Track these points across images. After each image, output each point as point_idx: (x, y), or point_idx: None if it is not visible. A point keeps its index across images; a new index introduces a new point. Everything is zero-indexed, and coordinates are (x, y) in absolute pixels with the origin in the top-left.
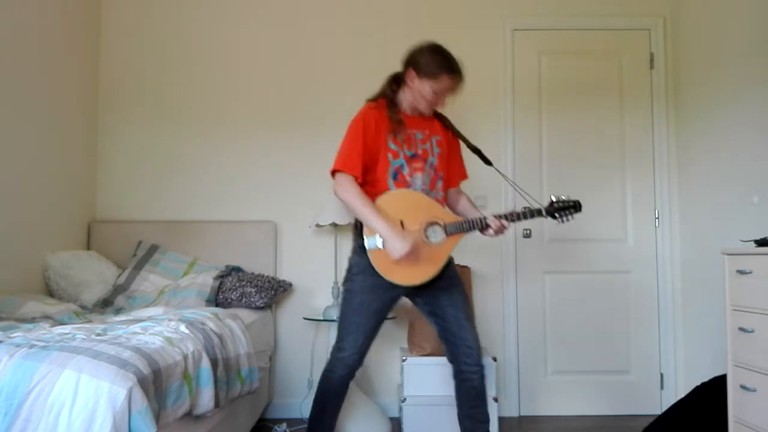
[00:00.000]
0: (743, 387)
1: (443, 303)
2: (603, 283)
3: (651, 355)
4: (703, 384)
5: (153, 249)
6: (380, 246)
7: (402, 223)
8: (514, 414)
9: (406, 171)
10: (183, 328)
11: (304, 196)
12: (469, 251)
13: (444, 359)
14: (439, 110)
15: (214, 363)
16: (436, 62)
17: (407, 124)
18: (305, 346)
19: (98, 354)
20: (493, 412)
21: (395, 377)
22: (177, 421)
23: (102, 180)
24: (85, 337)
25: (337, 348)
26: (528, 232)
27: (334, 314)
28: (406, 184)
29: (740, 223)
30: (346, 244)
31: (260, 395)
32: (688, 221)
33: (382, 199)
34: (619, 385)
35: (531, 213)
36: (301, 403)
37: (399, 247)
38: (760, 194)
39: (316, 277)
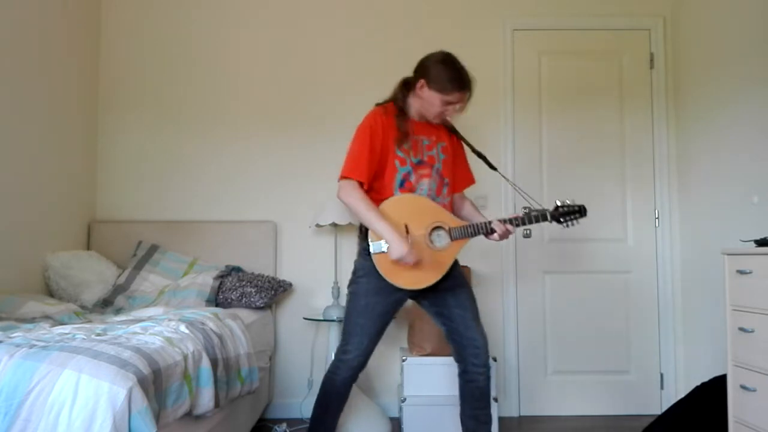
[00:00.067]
0: (743, 387)
1: (450, 303)
2: (603, 283)
3: (651, 355)
4: (703, 384)
5: (153, 249)
6: (385, 250)
7: (407, 227)
8: (514, 414)
9: (413, 178)
10: (183, 328)
11: (304, 196)
12: (469, 251)
13: (444, 359)
14: (447, 120)
15: (214, 363)
16: (446, 75)
17: (414, 130)
18: (305, 346)
19: (98, 354)
20: (493, 412)
21: (395, 377)
22: (177, 421)
23: (102, 180)
24: (85, 337)
25: (342, 350)
26: (528, 232)
27: (334, 314)
28: (413, 191)
29: (740, 223)
30: (346, 244)
31: (260, 395)
32: (688, 221)
33: (388, 204)
34: (619, 385)
35: (536, 217)
36: (301, 403)
37: (398, 248)
38: (760, 194)
39: (316, 277)
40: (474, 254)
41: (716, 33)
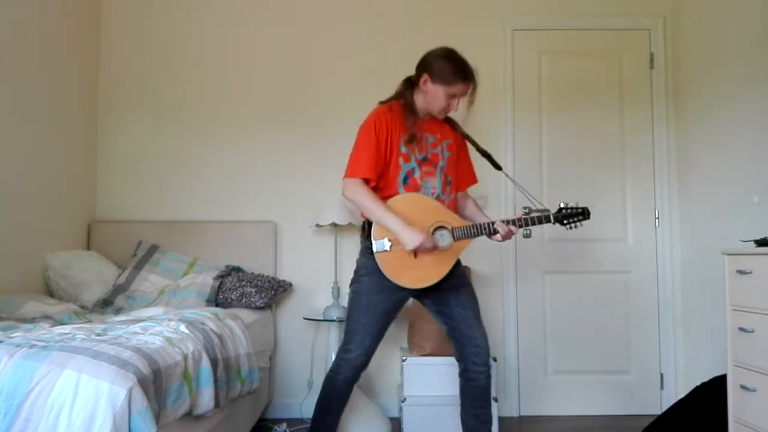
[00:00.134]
0: (743, 387)
1: (451, 303)
2: (603, 283)
3: (651, 355)
4: (703, 384)
5: (153, 249)
6: (388, 249)
7: None
8: (514, 414)
9: (417, 174)
10: (183, 328)
11: (304, 196)
12: (469, 251)
13: (444, 359)
14: (452, 114)
15: (214, 363)
16: (450, 68)
17: (420, 128)
18: (305, 346)
19: (98, 354)
20: (493, 412)
21: (395, 377)
22: (177, 421)
23: (102, 180)
24: (85, 337)
25: (344, 349)
26: (528, 232)
27: (334, 314)
28: (417, 188)
29: (740, 223)
30: (346, 244)
31: (260, 395)
32: (688, 221)
33: (391, 203)
34: (619, 385)
35: (539, 219)
36: (301, 403)
37: (412, 237)
38: (760, 194)
39: (316, 277)
40: (474, 254)
41: (716, 33)
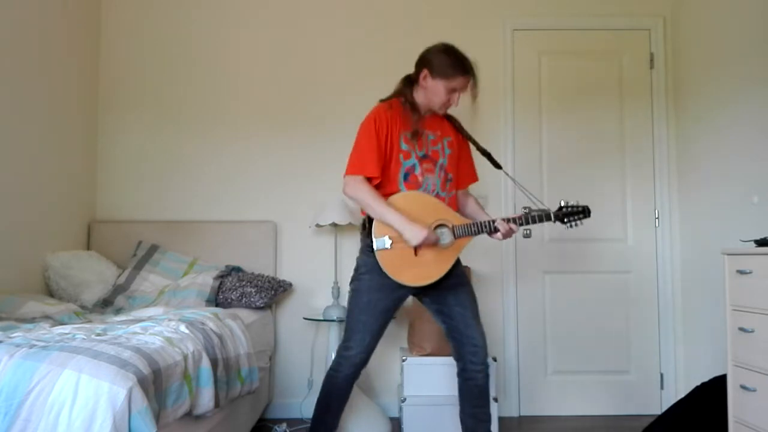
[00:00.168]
0: (743, 387)
1: (450, 302)
2: (603, 283)
3: (651, 355)
4: (703, 384)
5: (153, 249)
6: (388, 247)
7: None
8: (514, 414)
9: (418, 171)
10: (183, 328)
11: (304, 196)
12: (469, 251)
13: (444, 359)
14: (452, 108)
15: (214, 363)
16: (449, 62)
17: (420, 125)
18: (305, 346)
19: (98, 354)
20: (493, 412)
21: (395, 377)
22: (177, 421)
23: (102, 180)
24: (85, 337)
25: (344, 347)
26: (528, 232)
27: (334, 314)
28: (417, 185)
29: (740, 223)
30: (346, 244)
31: (260, 395)
32: (688, 221)
33: (392, 201)
34: (619, 385)
35: (540, 217)
36: (301, 403)
37: (416, 233)
38: (760, 194)
39: (316, 277)
40: (474, 254)
41: (716, 33)
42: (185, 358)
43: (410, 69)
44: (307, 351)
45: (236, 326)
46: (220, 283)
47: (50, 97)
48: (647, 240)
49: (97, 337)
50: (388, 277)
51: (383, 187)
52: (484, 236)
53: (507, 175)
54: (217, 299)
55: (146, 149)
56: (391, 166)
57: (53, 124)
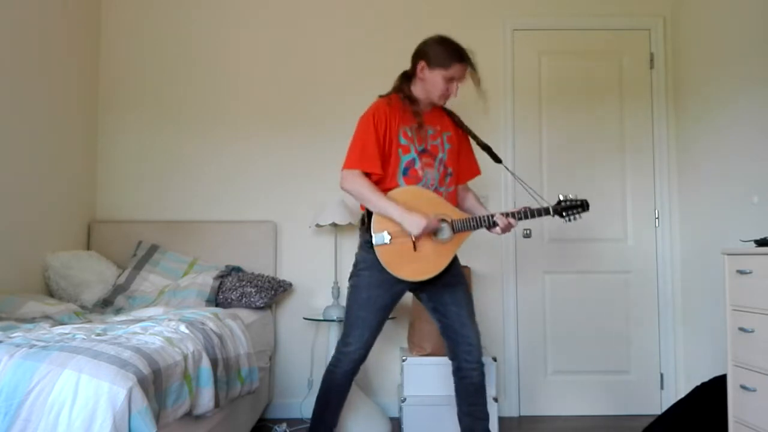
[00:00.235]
0: (743, 387)
1: (446, 300)
2: (603, 283)
3: (651, 355)
4: (703, 384)
5: (153, 249)
6: (387, 242)
7: None
8: (514, 414)
9: (417, 165)
10: (183, 328)
11: (304, 196)
12: (469, 251)
13: (444, 359)
14: (452, 98)
15: (214, 363)
16: (445, 52)
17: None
18: (305, 346)
19: (98, 354)
20: (493, 412)
21: (395, 377)
22: (177, 421)
23: (102, 180)
24: (85, 337)
25: (343, 343)
26: (528, 232)
27: (334, 314)
28: (417, 180)
29: (740, 223)
30: (346, 244)
31: (260, 395)
32: (688, 221)
33: (391, 195)
34: (619, 385)
35: (539, 211)
36: (301, 403)
37: (417, 222)
38: (760, 194)
39: (316, 277)
40: (474, 254)
41: (716, 33)
42: (185, 358)
43: None
44: (307, 351)
45: (236, 326)
46: (220, 283)
47: (50, 97)
48: (647, 240)
49: (97, 337)
50: (387, 273)
51: (383, 182)
52: (485, 235)
53: (507, 169)
54: (217, 299)
55: (146, 149)
56: (390, 162)
57: (53, 124)
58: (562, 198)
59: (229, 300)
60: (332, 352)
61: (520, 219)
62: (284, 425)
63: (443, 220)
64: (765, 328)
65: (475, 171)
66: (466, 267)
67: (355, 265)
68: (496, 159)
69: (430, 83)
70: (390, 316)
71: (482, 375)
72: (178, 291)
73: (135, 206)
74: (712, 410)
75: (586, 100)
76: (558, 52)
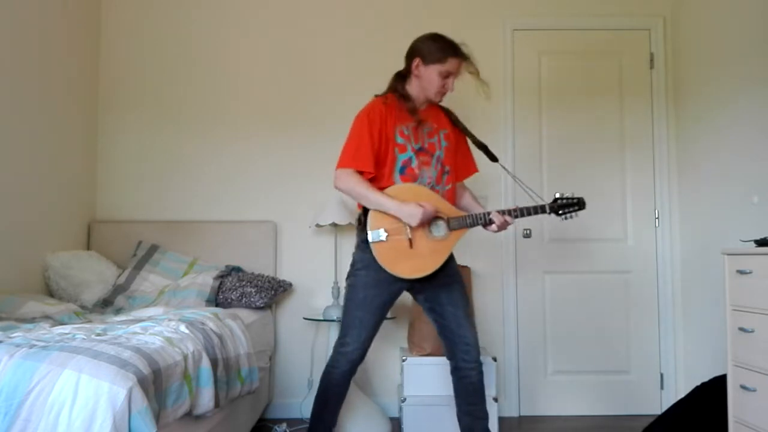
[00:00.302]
0: (743, 387)
1: (443, 300)
2: (603, 283)
3: (651, 355)
4: (703, 384)
5: (153, 249)
6: (384, 239)
7: None
8: (514, 414)
9: (414, 164)
10: (183, 328)
11: (304, 196)
12: (469, 251)
13: (444, 359)
14: (448, 94)
15: (214, 363)
16: (439, 47)
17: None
18: (305, 346)
19: (98, 354)
20: (493, 412)
21: (395, 377)
22: (177, 421)
23: (102, 180)
24: (85, 337)
25: (340, 343)
26: (528, 232)
27: (334, 314)
28: (414, 178)
29: (740, 223)
30: (346, 244)
31: (260, 395)
32: (688, 221)
33: (386, 193)
34: (619, 385)
35: (535, 209)
36: (301, 403)
37: (414, 211)
38: (760, 194)
39: (316, 277)
40: (474, 254)
41: (716, 33)
42: (185, 358)
43: None
44: (307, 351)
45: (236, 326)
46: (220, 283)
47: (50, 97)
48: (647, 240)
49: (97, 337)
50: (384, 273)
51: (379, 181)
52: (485, 235)
53: (504, 168)
54: (217, 299)
55: (146, 149)
56: (387, 161)
57: (53, 124)
58: (558, 196)
59: (229, 300)
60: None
61: (516, 217)
62: (284, 425)
63: (439, 217)
64: (765, 328)
65: (472, 169)
66: (465, 267)
67: (353, 265)
68: (493, 158)
69: (426, 80)
70: (390, 316)
71: (481, 374)
72: (178, 291)
73: (135, 206)
74: (712, 410)
75: (586, 100)
76: (558, 52)
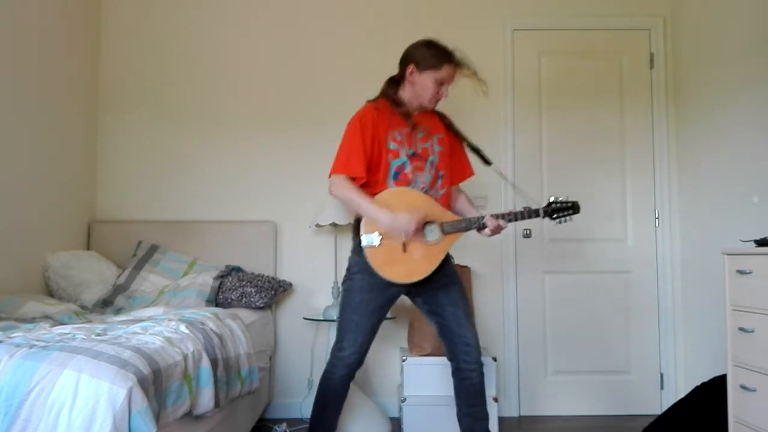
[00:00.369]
0: (743, 387)
1: (442, 301)
2: (603, 283)
3: (651, 355)
4: (703, 384)
5: (153, 249)
6: (377, 244)
7: None
8: (514, 414)
9: (408, 169)
10: (183, 328)
11: (304, 196)
12: (469, 251)
13: (444, 359)
14: (442, 100)
15: (214, 363)
16: (434, 54)
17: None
18: (305, 346)
19: (98, 354)
20: (493, 412)
21: (395, 377)
22: (177, 421)
23: (102, 180)
24: (85, 337)
25: (337, 348)
26: (528, 232)
27: (334, 314)
28: (407, 183)
29: (740, 223)
30: (346, 244)
31: (260, 395)
32: (688, 221)
33: (380, 198)
34: (619, 385)
35: (528, 213)
36: (301, 403)
37: (400, 221)
38: (760, 194)
39: (316, 277)
40: (475, 254)
41: (716, 33)
42: (185, 358)
43: None
44: (307, 351)
45: (236, 326)
46: (220, 283)
47: (50, 97)
48: (647, 240)
49: (97, 337)
50: (380, 276)
51: (372, 187)
52: (480, 235)
53: (497, 172)
54: (217, 299)
55: (146, 149)
56: (380, 167)
57: (53, 124)
58: (552, 200)
59: (229, 300)
60: None
61: (510, 221)
62: (284, 425)
63: (433, 222)
64: (765, 328)
65: (467, 172)
66: (465, 267)
67: (348, 269)
68: (486, 161)
69: (420, 86)
70: (390, 316)
71: (482, 375)
72: (178, 291)
73: (135, 206)
74: (712, 410)
75: (586, 100)
76: (558, 52)
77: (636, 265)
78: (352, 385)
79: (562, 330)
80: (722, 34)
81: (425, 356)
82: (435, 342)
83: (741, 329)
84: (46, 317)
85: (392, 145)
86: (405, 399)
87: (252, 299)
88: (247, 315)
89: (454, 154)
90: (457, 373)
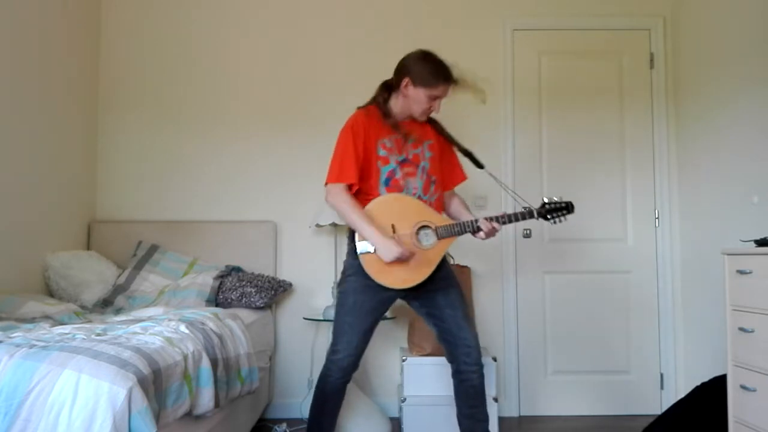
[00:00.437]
0: (743, 387)
1: (440, 304)
2: (603, 283)
3: (651, 355)
4: (703, 384)
5: (153, 249)
6: (372, 250)
7: (393, 227)
8: (514, 414)
9: (398, 175)
10: (183, 328)
11: (304, 196)
12: (468, 251)
13: (444, 359)
14: (434, 115)
15: (214, 363)
16: (430, 71)
17: (400, 128)
18: (305, 346)
19: (98, 354)
20: (493, 412)
21: (395, 377)
22: (177, 421)
23: (102, 180)
24: (85, 337)
25: (332, 351)
26: (528, 232)
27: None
28: (399, 189)
29: (740, 223)
30: (346, 244)
31: (260, 395)
32: (688, 221)
33: (374, 204)
34: (619, 385)
35: (522, 215)
36: (301, 403)
37: (389, 250)
38: (760, 194)
39: (316, 277)
40: (475, 254)
41: (716, 33)
42: (185, 358)
43: None
44: (307, 351)
45: (236, 326)
46: (220, 283)
47: (50, 97)
48: (647, 240)
49: (97, 337)
50: (373, 279)
51: (365, 194)
52: (471, 236)
53: (491, 175)
54: (217, 299)
55: (146, 149)
56: (371, 173)
57: (53, 124)
58: (546, 200)
59: (229, 300)
60: None
61: (504, 223)
62: (284, 425)
63: (427, 227)
64: (765, 328)
65: (459, 177)
66: (465, 267)
67: (343, 272)
68: (478, 165)
69: (413, 100)
70: (390, 316)
71: (482, 377)
72: (178, 291)
73: (135, 206)
74: (712, 410)
75: (586, 100)
76: (558, 52)
77: (636, 265)
78: (351, 384)
79: (562, 330)
80: (722, 34)
81: (425, 356)
82: (435, 342)
83: (741, 329)
84: (46, 317)
85: (381, 152)
86: (405, 399)
87: (252, 299)
88: (247, 315)
89: (445, 159)
90: (457, 374)
